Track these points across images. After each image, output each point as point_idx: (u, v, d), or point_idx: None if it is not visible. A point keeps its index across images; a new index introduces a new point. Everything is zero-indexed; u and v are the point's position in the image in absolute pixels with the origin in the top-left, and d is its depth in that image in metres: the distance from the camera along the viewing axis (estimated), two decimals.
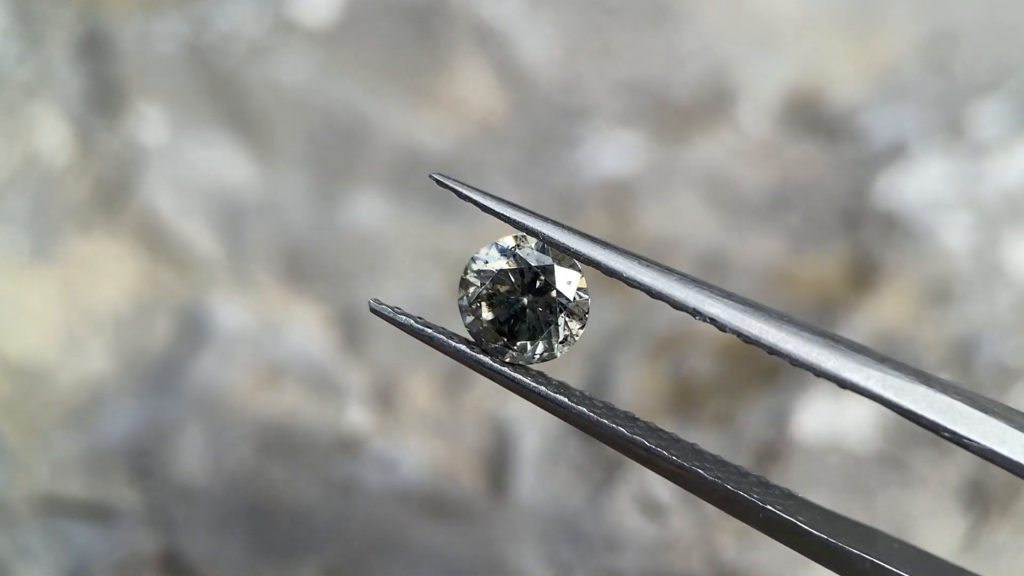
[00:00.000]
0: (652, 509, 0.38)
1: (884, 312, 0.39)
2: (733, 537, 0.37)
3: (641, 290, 0.22)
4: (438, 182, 0.23)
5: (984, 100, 0.42)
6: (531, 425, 0.39)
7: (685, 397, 0.39)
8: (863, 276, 0.40)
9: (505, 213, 0.23)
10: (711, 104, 0.43)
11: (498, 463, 0.39)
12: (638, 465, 0.38)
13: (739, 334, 0.21)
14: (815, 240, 0.41)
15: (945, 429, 0.21)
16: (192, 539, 0.38)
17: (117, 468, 0.39)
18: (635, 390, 0.39)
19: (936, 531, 0.37)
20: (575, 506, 0.38)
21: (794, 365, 0.21)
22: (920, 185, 0.41)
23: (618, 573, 0.37)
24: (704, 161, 0.42)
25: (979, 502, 0.37)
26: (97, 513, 0.39)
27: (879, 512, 0.37)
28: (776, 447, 0.38)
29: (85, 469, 0.39)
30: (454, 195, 0.23)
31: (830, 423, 0.38)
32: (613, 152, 0.42)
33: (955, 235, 0.40)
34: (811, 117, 0.42)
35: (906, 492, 0.37)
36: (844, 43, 0.43)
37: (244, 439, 0.39)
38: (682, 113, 0.43)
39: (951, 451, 0.37)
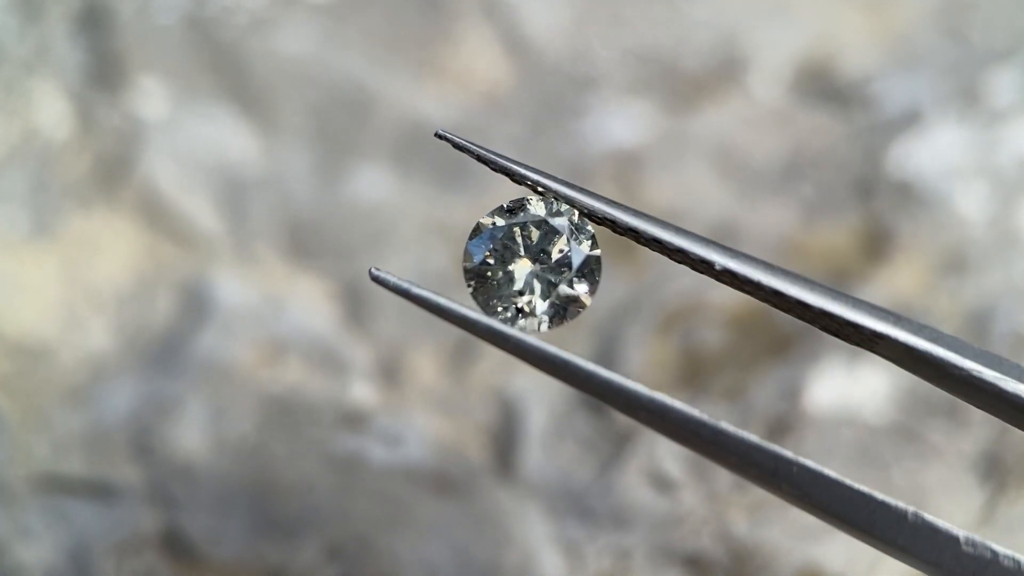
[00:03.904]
0: (662, 484, 0.37)
1: (898, 282, 0.39)
2: (745, 512, 0.37)
3: (655, 249, 0.21)
4: (443, 138, 0.22)
5: (1000, 67, 0.41)
6: (538, 400, 0.38)
7: (695, 370, 0.39)
8: (877, 246, 0.39)
9: (519, 171, 0.22)
10: (721, 72, 0.42)
11: (505, 438, 0.38)
12: (647, 439, 0.38)
13: (759, 286, 0.21)
14: (828, 210, 0.40)
15: (980, 375, 0.20)
16: (193, 517, 0.38)
17: (118, 446, 0.39)
18: (644, 363, 0.39)
19: (952, 504, 0.36)
20: (583, 481, 0.38)
21: (815, 324, 0.21)
22: (935, 153, 0.40)
23: (627, 549, 0.37)
24: (714, 130, 0.41)
25: (996, 474, 0.36)
26: (98, 491, 0.38)
27: (894, 485, 0.36)
28: (789, 420, 0.37)
29: (85, 447, 0.39)
30: (459, 166, 0.22)
31: (844, 395, 0.37)
32: (621, 122, 0.42)
33: (970, 203, 0.39)
34: (823, 85, 0.42)
35: (922, 464, 0.37)
36: (857, 9, 0.42)
37: (246, 416, 0.39)
38: (692, 82, 0.42)
39: (967, 423, 0.37)
